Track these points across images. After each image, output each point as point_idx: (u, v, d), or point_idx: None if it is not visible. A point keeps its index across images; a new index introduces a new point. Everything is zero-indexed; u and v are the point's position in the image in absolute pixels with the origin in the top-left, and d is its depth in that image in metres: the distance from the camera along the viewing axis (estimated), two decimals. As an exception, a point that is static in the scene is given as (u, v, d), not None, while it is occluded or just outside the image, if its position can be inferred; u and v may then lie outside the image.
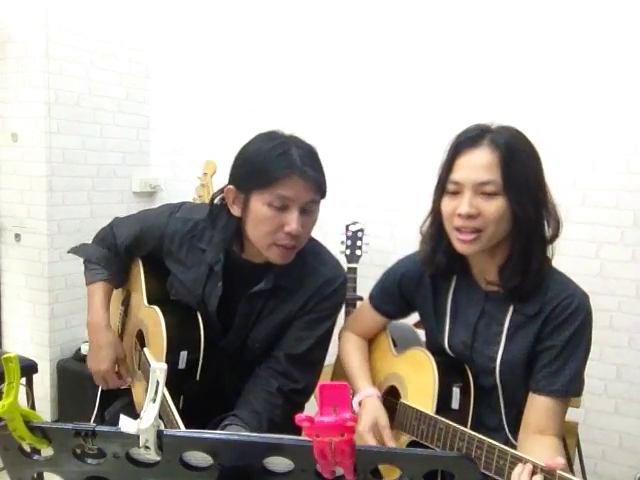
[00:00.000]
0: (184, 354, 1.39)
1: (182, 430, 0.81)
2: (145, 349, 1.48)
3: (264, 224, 1.29)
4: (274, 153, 1.28)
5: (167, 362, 1.35)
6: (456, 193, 1.23)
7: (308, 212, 1.32)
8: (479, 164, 1.20)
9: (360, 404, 1.39)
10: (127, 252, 1.62)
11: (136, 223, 1.59)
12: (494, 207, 1.19)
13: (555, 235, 1.27)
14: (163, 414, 1.21)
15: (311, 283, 1.40)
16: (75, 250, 1.67)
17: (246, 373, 1.45)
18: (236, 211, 1.35)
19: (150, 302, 1.53)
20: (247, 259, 1.42)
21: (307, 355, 1.41)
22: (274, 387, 1.38)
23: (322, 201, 1.38)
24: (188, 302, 1.48)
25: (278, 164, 1.27)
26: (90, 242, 1.68)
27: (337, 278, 1.43)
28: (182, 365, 1.39)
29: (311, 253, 1.43)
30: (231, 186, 1.34)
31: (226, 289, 1.43)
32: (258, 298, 1.41)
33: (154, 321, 1.45)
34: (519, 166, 1.20)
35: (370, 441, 1.31)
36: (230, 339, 1.46)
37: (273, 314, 1.42)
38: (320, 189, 1.32)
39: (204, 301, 1.45)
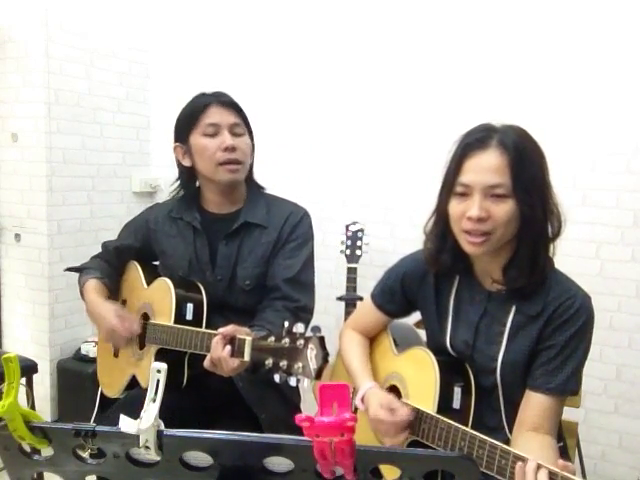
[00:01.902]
0: (190, 306, 1.56)
1: (182, 430, 0.81)
2: (150, 321, 1.59)
3: (205, 150, 1.57)
4: (195, 98, 1.64)
5: (176, 314, 1.53)
6: (464, 195, 1.23)
7: (238, 134, 1.60)
8: (488, 167, 1.20)
9: (363, 400, 1.38)
10: (117, 252, 1.76)
11: (122, 230, 1.83)
12: (504, 210, 1.20)
13: (557, 234, 1.27)
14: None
15: (278, 217, 1.65)
16: (71, 268, 1.82)
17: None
18: (187, 161, 1.65)
19: (149, 285, 1.68)
20: (217, 212, 1.67)
21: (300, 276, 1.62)
22: (279, 306, 1.57)
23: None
24: (180, 272, 1.65)
25: (198, 102, 1.61)
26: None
27: (300, 210, 1.69)
28: (190, 316, 1.55)
29: (273, 200, 1.70)
30: (176, 143, 1.66)
31: (210, 243, 1.65)
32: (235, 238, 1.63)
33: (159, 289, 1.61)
34: (528, 167, 1.20)
35: (384, 416, 1.28)
36: (217, 279, 1.63)
37: (254, 250, 1.62)
38: (238, 111, 1.62)
39: (197, 256, 1.64)
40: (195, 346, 1.42)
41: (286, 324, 1.15)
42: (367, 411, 1.34)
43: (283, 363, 1.12)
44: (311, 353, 1.08)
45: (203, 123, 1.57)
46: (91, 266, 1.76)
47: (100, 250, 1.82)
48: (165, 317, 1.54)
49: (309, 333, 1.11)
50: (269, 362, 1.15)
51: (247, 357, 1.24)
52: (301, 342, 1.10)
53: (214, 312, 1.59)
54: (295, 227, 1.64)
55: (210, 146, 1.56)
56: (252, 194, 1.68)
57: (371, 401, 1.34)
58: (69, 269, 1.82)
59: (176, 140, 1.66)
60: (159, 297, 1.60)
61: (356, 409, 1.54)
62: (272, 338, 1.17)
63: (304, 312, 1.61)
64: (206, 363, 1.34)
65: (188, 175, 1.68)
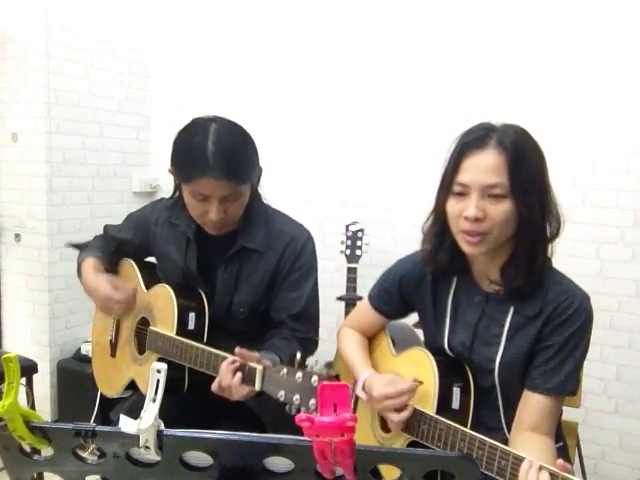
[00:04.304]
0: (192, 315, 1.53)
1: (182, 430, 0.81)
2: (151, 327, 1.57)
3: (192, 209, 1.48)
4: (191, 153, 1.42)
5: (178, 323, 1.50)
6: (462, 194, 1.23)
7: (230, 200, 1.44)
8: (486, 166, 1.19)
9: (364, 388, 1.38)
10: (116, 243, 1.75)
11: (125, 220, 1.79)
12: (501, 210, 1.19)
13: (556, 234, 1.27)
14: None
15: (278, 243, 1.55)
16: (73, 244, 1.83)
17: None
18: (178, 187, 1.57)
19: (148, 289, 1.66)
20: None
21: (306, 310, 1.58)
22: (287, 334, 1.54)
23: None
24: (177, 279, 1.61)
25: (194, 166, 1.40)
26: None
27: (302, 235, 1.59)
28: (192, 326, 1.52)
29: (274, 218, 1.60)
30: (171, 167, 1.52)
31: (205, 259, 1.58)
32: (233, 263, 1.56)
33: (160, 296, 1.58)
34: (526, 167, 1.20)
35: (391, 391, 1.28)
36: (216, 305, 1.58)
37: (251, 277, 1.56)
38: (235, 181, 1.41)
39: (187, 267, 1.59)
40: (201, 364, 1.39)
41: (298, 355, 1.14)
42: (370, 398, 1.33)
43: (296, 397, 1.12)
44: None
45: (192, 189, 1.43)
46: (94, 244, 1.77)
47: (102, 232, 1.82)
48: (167, 327, 1.52)
49: (322, 367, 1.11)
50: (281, 395, 1.15)
51: (258, 387, 1.23)
52: (315, 379, 1.10)
53: (213, 327, 1.56)
54: (298, 256, 1.56)
55: (197, 209, 1.46)
56: (250, 212, 1.55)
57: (374, 385, 1.34)
58: (71, 245, 1.84)
59: (171, 164, 1.52)
60: (160, 304, 1.57)
61: (355, 406, 1.54)
62: (284, 370, 1.16)
63: (310, 343, 1.60)
64: (214, 387, 1.31)
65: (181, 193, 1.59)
